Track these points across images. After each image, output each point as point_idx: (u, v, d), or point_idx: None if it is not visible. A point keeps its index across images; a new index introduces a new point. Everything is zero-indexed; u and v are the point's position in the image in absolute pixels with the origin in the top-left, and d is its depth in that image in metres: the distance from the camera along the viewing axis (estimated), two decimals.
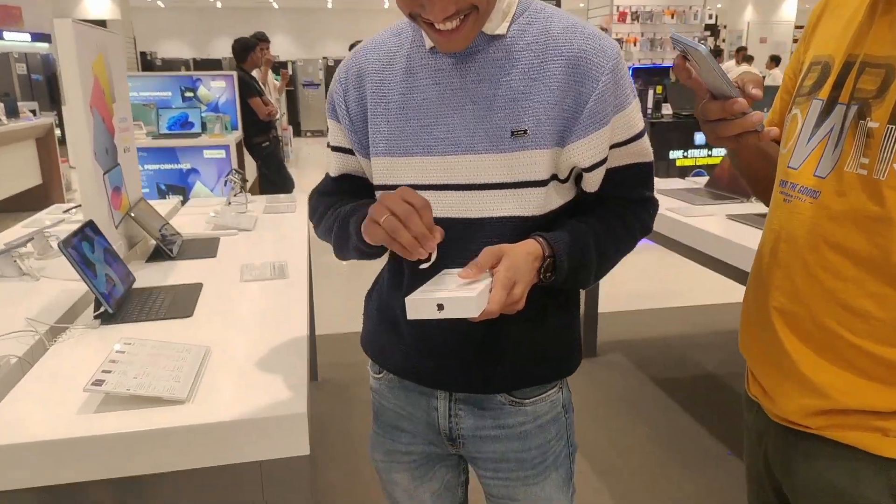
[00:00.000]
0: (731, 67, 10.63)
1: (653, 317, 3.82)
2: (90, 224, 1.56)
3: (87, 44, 1.72)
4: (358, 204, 1.01)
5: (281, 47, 17.29)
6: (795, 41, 16.36)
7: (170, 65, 14.26)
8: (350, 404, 2.87)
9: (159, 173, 4.67)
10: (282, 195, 2.93)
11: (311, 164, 10.18)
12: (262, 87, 5.41)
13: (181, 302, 1.56)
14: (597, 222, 0.99)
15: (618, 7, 7.85)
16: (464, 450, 1.10)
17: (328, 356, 3.25)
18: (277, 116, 5.43)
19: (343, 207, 1.05)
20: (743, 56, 10.60)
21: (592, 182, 0.99)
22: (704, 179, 3.06)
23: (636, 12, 7.82)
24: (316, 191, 1.15)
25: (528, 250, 0.90)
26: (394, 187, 0.96)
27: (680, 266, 2.47)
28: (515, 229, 0.95)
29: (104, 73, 1.83)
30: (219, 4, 17.35)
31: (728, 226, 2.29)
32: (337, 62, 14.52)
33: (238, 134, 5.02)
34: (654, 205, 1.07)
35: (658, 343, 3.51)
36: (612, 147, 0.97)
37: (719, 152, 5.88)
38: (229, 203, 2.57)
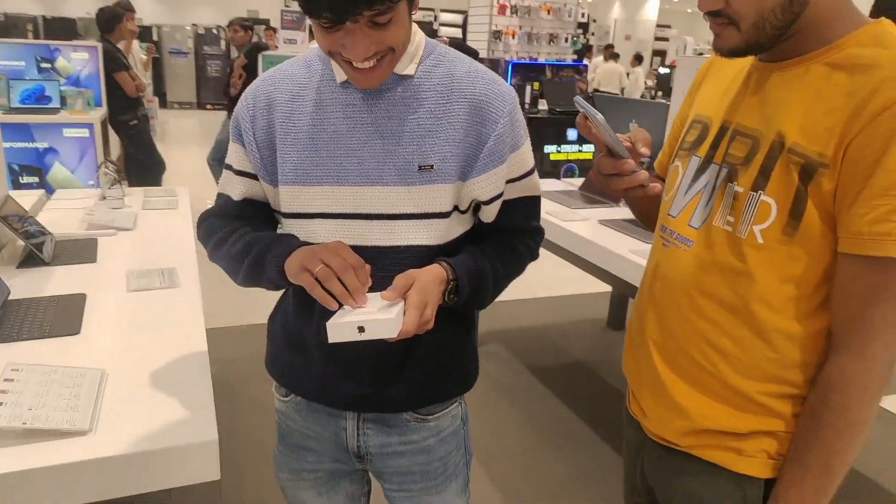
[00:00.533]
0: (598, 63, 11.25)
1: (529, 306, 4.06)
2: None
3: None
4: (272, 239, 1.04)
5: (145, 10, 16.02)
6: (657, 39, 17.57)
7: (14, 21, 12.82)
8: (246, 406, 2.83)
9: (11, 152, 4.25)
10: (159, 188, 2.80)
11: (179, 139, 9.64)
12: (128, 59, 5.06)
13: (65, 316, 1.49)
14: (492, 250, 1.09)
15: (498, 0, 8.06)
16: (370, 465, 1.17)
17: (217, 351, 3.16)
18: (145, 92, 5.10)
19: (251, 237, 1.06)
20: (610, 53, 11.25)
21: (489, 213, 1.08)
22: (579, 181, 3.28)
23: (515, 6, 8.07)
24: (211, 213, 1.15)
25: (435, 274, 0.98)
26: (304, 215, 1.03)
27: (553, 259, 2.66)
28: (421, 257, 1.02)
29: None
30: None
31: (599, 231, 2.49)
32: (207, 30, 13.75)
33: (103, 111, 4.67)
34: (540, 233, 1.19)
35: (533, 332, 3.74)
36: (507, 182, 1.06)
37: (590, 148, 6.27)
38: (104, 198, 2.43)
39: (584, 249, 2.42)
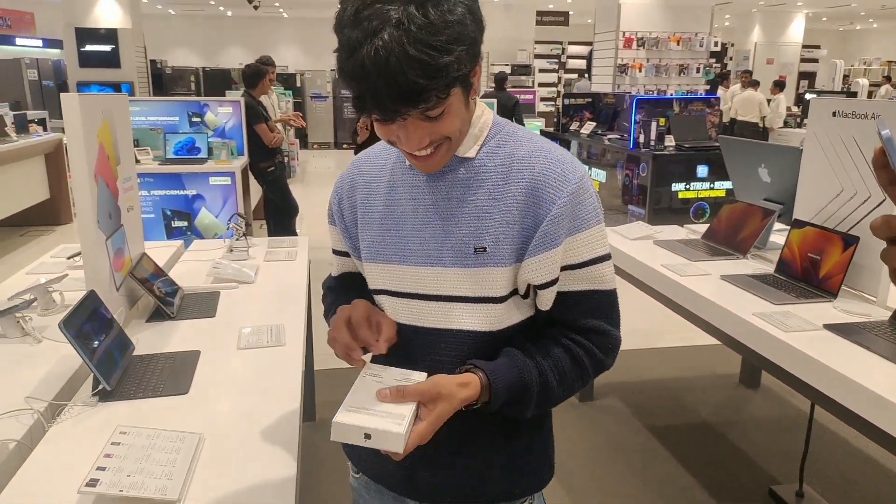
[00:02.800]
0: (736, 91, 10.65)
1: (651, 357, 3.84)
2: (91, 296, 1.60)
3: (91, 113, 1.76)
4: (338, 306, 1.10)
5: (289, 58, 17.40)
6: (802, 61, 16.39)
7: (179, 73, 14.37)
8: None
9: (165, 199, 4.72)
10: (283, 238, 2.96)
11: (317, 179, 10.24)
12: (268, 109, 5.46)
13: (178, 374, 1.59)
14: (546, 362, 1.00)
15: (624, 33, 7.88)
16: None
17: (326, 394, 3.28)
18: (283, 144, 5.47)
19: (336, 305, 1.12)
20: (748, 80, 10.61)
21: (545, 300, 1.01)
22: (702, 228, 3.08)
23: (642, 38, 7.85)
24: (326, 283, 1.26)
25: (465, 397, 0.92)
26: (378, 291, 1.07)
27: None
28: (474, 343, 1.00)
29: (109, 138, 1.87)
30: (229, 13, 17.47)
31: (722, 288, 2.30)
32: None
33: (243, 160, 5.07)
34: (613, 340, 1.04)
35: (655, 386, 3.52)
36: (564, 269, 0.99)
37: (722, 185, 5.91)
38: (231, 250, 2.61)
39: (702, 309, 2.25)
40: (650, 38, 7.86)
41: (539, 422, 1.10)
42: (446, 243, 0.99)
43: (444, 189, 1.00)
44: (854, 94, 12.46)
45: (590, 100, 7.36)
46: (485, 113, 1.01)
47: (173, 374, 1.59)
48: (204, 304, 2.09)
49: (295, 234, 5.38)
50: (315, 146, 14.34)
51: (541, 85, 12.67)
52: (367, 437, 0.83)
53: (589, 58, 9.72)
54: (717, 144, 6.23)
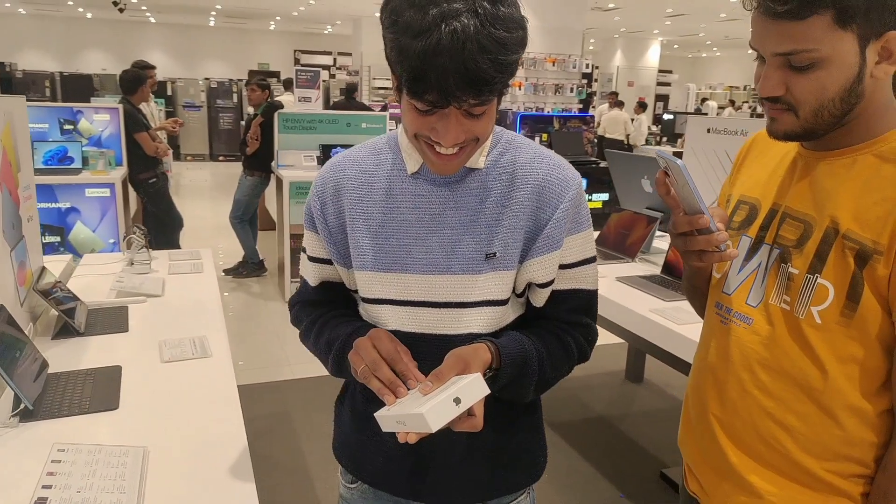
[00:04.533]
0: (603, 111, 11.44)
1: None
2: (2, 311, 1.49)
3: None
4: (347, 336, 1.05)
5: (159, 65, 16.48)
6: (658, 84, 17.85)
7: (32, 78, 13.19)
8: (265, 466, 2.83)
9: None
10: (183, 251, 2.86)
11: (193, 192, 9.79)
12: (147, 117, 5.20)
13: (103, 390, 1.52)
14: (541, 341, 1.05)
15: None
16: None
17: (251, 409, 3.18)
18: (168, 156, 5.22)
19: (330, 333, 1.08)
20: (615, 101, 11.44)
21: (541, 297, 1.06)
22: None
23: (521, 59, 8.24)
24: (297, 301, 1.18)
25: (484, 358, 0.95)
26: (375, 301, 1.05)
27: None
28: None
29: (11, 143, 1.75)
30: (89, 15, 16.32)
31: (618, 288, 2.51)
32: (220, 83, 14.10)
33: (123, 170, 4.79)
34: (593, 333, 1.12)
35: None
36: (561, 267, 1.05)
37: (599, 196, 6.34)
38: (132, 263, 2.49)
39: (602, 307, 2.44)
40: (528, 59, 8.28)
41: (532, 414, 1.15)
42: (456, 251, 1.00)
43: (452, 198, 1.01)
44: (704, 115, 13.75)
45: None
46: None
47: (97, 391, 1.52)
48: (113, 319, 1.98)
49: (178, 247, 5.14)
50: (189, 158, 13.68)
51: None
52: (457, 401, 0.84)
53: None
54: (594, 159, 6.68)
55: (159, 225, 5.19)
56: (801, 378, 0.93)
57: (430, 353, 1.01)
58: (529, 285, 1.06)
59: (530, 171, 1.03)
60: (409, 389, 0.91)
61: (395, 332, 1.03)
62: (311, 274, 1.13)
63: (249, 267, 5.58)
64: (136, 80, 4.95)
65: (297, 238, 4.91)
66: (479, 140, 0.95)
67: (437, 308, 1.02)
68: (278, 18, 16.09)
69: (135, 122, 4.85)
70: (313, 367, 3.65)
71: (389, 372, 0.92)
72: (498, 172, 1.03)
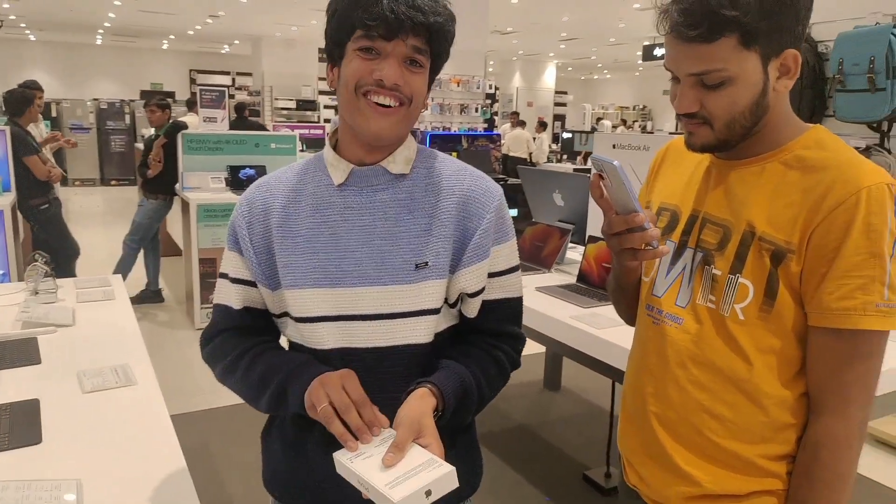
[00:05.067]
0: (506, 130, 11.80)
1: None
2: None
3: None
4: (289, 370, 1.03)
5: (42, 86, 15.47)
6: (556, 105, 18.60)
7: None
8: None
9: None
10: (91, 278, 2.71)
11: (83, 219, 9.22)
12: (37, 139, 4.90)
13: (22, 425, 1.43)
14: (477, 365, 1.08)
15: None
16: None
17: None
18: (61, 180, 4.92)
19: (264, 366, 1.05)
20: (517, 120, 11.83)
21: (473, 307, 1.10)
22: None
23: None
24: (213, 331, 1.13)
25: (431, 406, 0.98)
26: (306, 319, 1.04)
27: None
28: (418, 355, 1.05)
29: None
30: None
31: (537, 297, 2.61)
32: (110, 104, 13.41)
33: (11, 196, 4.47)
34: (521, 341, 1.17)
35: None
36: (490, 276, 1.08)
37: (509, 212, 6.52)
38: (36, 292, 2.34)
39: (526, 316, 2.52)
40: (434, 80, 8.43)
41: (468, 432, 1.18)
42: (386, 262, 1.02)
43: (380, 209, 1.04)
44: (605, 132, 14.48)
45: None
46: (411, 137, 1.09)
47: (15, 425, 1.42)
48: (21, 351, 1.86)
49: (75, 276, 4.84)
50: (77, 182, 12.91)
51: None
52: (428, 493, 0.84)
53: None
54: (502, 176, 6.88)
55: (52, 253, 4.86)
56: (729, 370, 1.01)
57: (367, 366, 1.02)
58: (461, 296, 1.09)
59: (455, 182, 1.08)
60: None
61: (332, 351, 1.04)
62: (235, 297, 1.10)
63: (147, 295, 5.34)
64: (23, 101, 4.67)
65: (206, 263, 4.76)
66: (413, 102, 1.00)
67: (368, 321, 1.03)
68: (172, 37, 15.54)
69: (24, 145, 4.56)
70: (228, 397, 3.53)
71: (358, 419, 0.92)
72: (424, 183, 1.07)
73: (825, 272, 0.93)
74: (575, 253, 3.18)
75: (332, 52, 1.03)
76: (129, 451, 1.36)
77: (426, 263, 1.03)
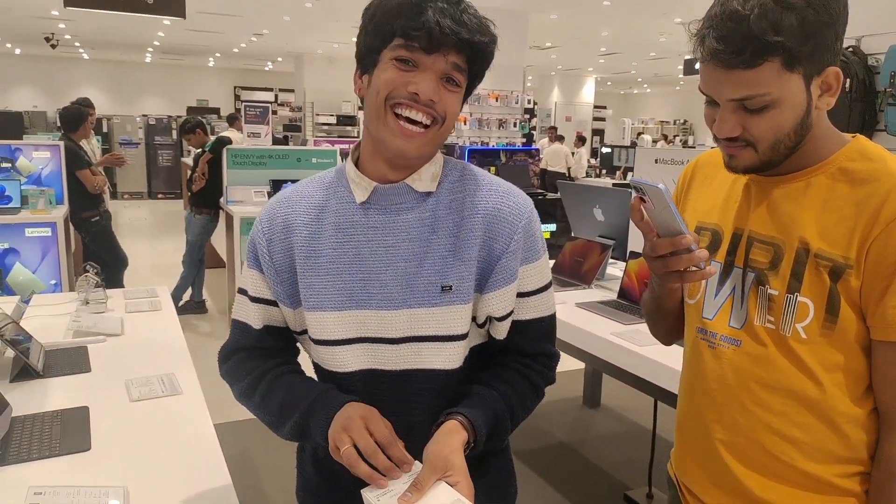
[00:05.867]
0: (545, 145, 11.77)
1: None
2: None
3: None
4: (310, 402, 1.01)
5: (95, 102, 16.06)
6: (595, 119, 18.49)
7: None
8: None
9: None
10: (139, 289, 2.78)
11: (131, 231, 9.49)
12: (89, 154, 5.07)
13: (72, 432, 1.47)
14: (511, 391, 1.04)
15: None
16: None
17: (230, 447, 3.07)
18: (106, 188, 5.09)
19: (284, 395, 1.03)
20: (555, 135, 11.80)
21: (502, 329, 1.06)
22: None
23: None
24: (231, 349, 1.11)
25: (461, 440, 0.94)
26: (329, 342, 1.02)
27: None
28: (441, 381, 1.02)
29: None
30: (17, 51, 15.81)
31: (578, 314, 2.58)
32: (158, 120, 13.83)
33: (64, 209, 4.63)
34: (556, 359, 1.13)
35: None
36: (520, 295, 1.04)
37: (546, 227, 6.49)
38: (87, 302, 2.41)
39: (564, 332, 2.50)
40: (472, 95, 8.47)
41: (502, 454, 1.17)
42: (412, 284, 0.99)
43: (404, 229, 1.00)
44: (646, 148, 14.33)
45: None
46: (439, 153, 1.05)
47: (66, 432, 1.46)
48: (73, 360, 1.92)
49: (122, 287, 4.98)
50: (126, 196, 13.30)
51: None
52: None
53: None
54: (541, 191, 6.86)
55: (102, 264, 5.02)
56: (799, 391, 0.97)
57: (393, 390, 1.00)
58: (489, 318, 1.05)
59: (480, 199, 1.03)
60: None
61: (354, 373, 1.02)
62: (255, 316, 1.07)
63: (191, 306, 5.46)
64: (78, 118, 4.85)
65: None
66: (445, 122, 0.97)
67: (395, 344, 1.00)
68: (218, 55, 15.98)
69: (77, 160, 4.73)
70: None
71: (386, 460, 0.89)
72: (448, 200, 1.02)
73: (886, 285, 0.91)
74: (616, 269, 3.14)
75: (365, 59, 0.99)
76: (175, 459, 1.38)
77: (450, 287, 0.99)
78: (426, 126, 0.95)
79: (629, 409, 3.82)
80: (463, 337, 1.02)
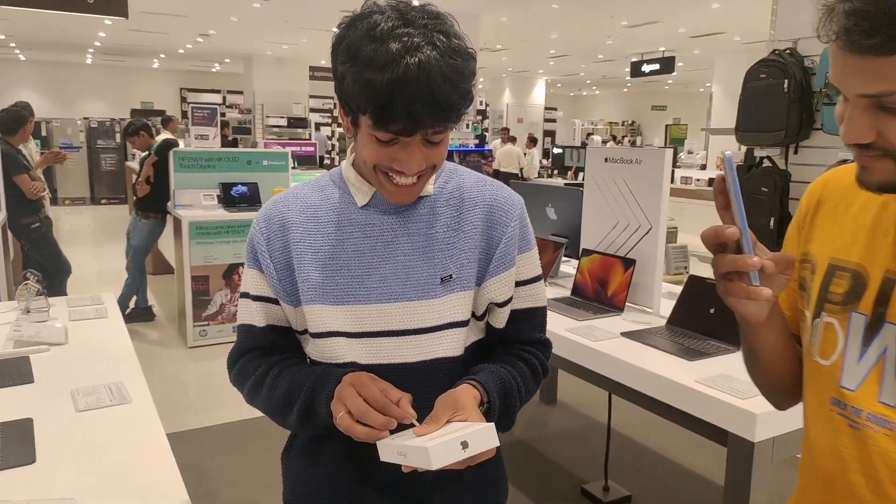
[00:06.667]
0: (497, 146, 11.87)
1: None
2: None
3: None
4: (313, 382, 1.01)
5: (32, 105, 15.44)
6: (546, 121, 18.72)
7: None
8: None
9: None
10: (83, 296, 2.69)
11: (73, 238, 9.17)
12: (28, 158, 4.88)
13: (15, 445, 1.41)
14: (512, 366, 1.07)
15: None
16: None
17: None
18: (45, 193, 4.90)
19: (289, 381, 1.03)
20: (508, 136, 11.91)
21: (502, 318, 1.10)
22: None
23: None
24: (238, 352, 1.11)
25: (474, 396, 0.97)
26: (328, 334, 1.03)
27: None
28: (447, 369, 1.04)
29: None
30: None
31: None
32: (101, 123, 13.38)
33: (2, 215, 4.44)
34: (550, 346, 1.18)
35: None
36: (516, 284, 1.08)
37: None
38: (28, 311, 2.32)
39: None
40: None
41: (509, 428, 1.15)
42: (410, 278, 1.01)
43: (403, 224, 1.03)
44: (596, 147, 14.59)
45: None
46: None
47: (9, 445, 1.40)
48: (14, 370, 1.84)
49: (65, 295, 4.81)
50: (67, 202, 12.85)
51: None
52: (465, 445, 0.83)
53: None
54: None
55: (43, 272, 4.83)
56: None
57: (395, 382, 0.99)
58: (489, 307, 1.09)
59: (477, 193, 1.07)
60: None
61: (351, 365, 1.02)
62: (258, 315, 1.08)
63: (138, 313, 5.31)
64: (17, 120, 4.67)
65: (198, 280, 4.73)
66: (436, 167, 0.99)
67: (395, 336, 1.02)
68: (163, 56, 15.57)
69: (15, 164, 4.55)
70: (222, 414, 3.51)
71: (380, 417, 0.90)
72: (446, 198, 1.06)
73: None
74: (569, 266, 3.19)
75: (345, 103, 0.95)
76: (125, 470, 1.34)
77: (451, 276, 1.03)
78: (420, 176, 0.97)
79: (584, 404, 3.89)
80: (464, 324, 1.05)
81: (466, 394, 0.97)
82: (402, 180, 0.96)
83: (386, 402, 0.92)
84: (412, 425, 0.92)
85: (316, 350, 1.07)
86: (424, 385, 1.01)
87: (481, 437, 0.85)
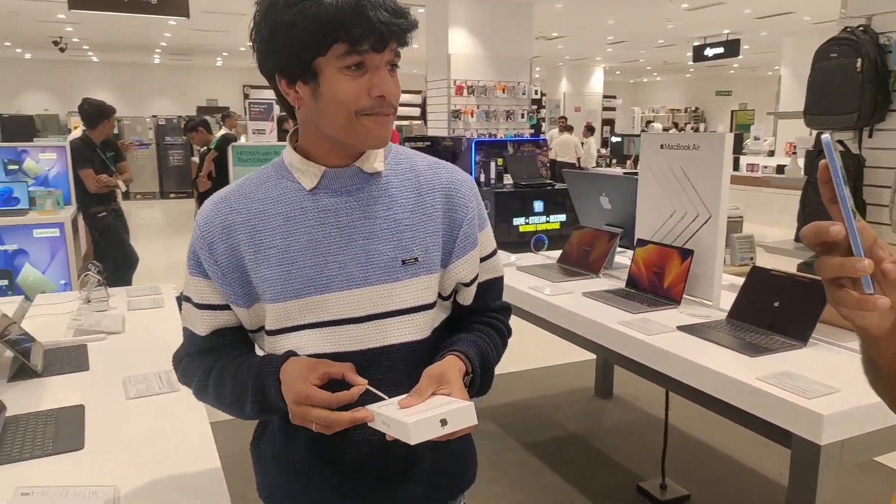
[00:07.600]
0: (554, 135, 11.69)
1: (514, 380, 4.05)
2: None
3: None
4: (255, 375, 1.00)
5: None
6: (604, 109, 18.34)
7: None
8: None
9: None
10: (142, 287, 2.77)
11: (144, 231, 9.54)
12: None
13: (66, 431, 1.45)
14: (484, 334, 1.12)
15: (454, 81, 8.38)
16: None
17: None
18: (121, 186, 5.07)
19: (232, 377, 1.02)
20: (564, 125, 11.71)
21: (468, 295, 1.13)
22: (551, 253, 3.36)
23: (471, 86, 8.39)
24: (184, 353, 1.11)
25: (459, 367, 1.00)
26: (290, 329, 1.00)
27: (529, 330, 2.67)
28: (414, 353, 1.03)
29: None
30: (28, 56, 15.93)
31: (585, 303, 2.52)
32: (168, 120, 13.89)
33: (72, 209, 4.64)
34: (509, 311, 1.24)
35: (522, 406, 3.72)
36: (480, 260, 1.12)
37: (556, 217, 6.44)
38: (89, 301, 2.40)
39: (571, 322, 2.46)
40: (479, 87, 8.42)
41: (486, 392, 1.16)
42: (371, 261, 1.00)
43: (358, 208, 1.00)
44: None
45: (429, 143, 7.69)
46: None
47: (60, 431, 1.44)
48: (72, 358, 1.90)
49: (130, 285, 4.98)
50: (138, 196, 13.39)
51: None
52: (444, 422, 0.86)
53: (423, 104, 10.18)
54: (550, 181, 6.79)
55: (112, 263, 5.03)
56: None
57: (363, 369, 0.98)
58: (457, 286, 1.11)
59: (433, 176, 1.08)
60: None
61: (313, 356, 0.99)
62: (201, 323, 1.05)
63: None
64: (99, 113, 4.80)
65: None
66: (395, 110, 0.99)
67: (358, 323, 1.01)
68: (225, 54, 16.00)
69: (80, 158, 4.72)
70: None
71: (345, 415, 0.91)
72: (399, 179, 1.05)
73: None
74: (624, 257, 3.08)
75: (292, 68, 0.95)
76: (168, 458, 1.35)
77: (415, 259, 1.02)
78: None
79: (642, 398, 3.77)
80: (430, 307, 1.05)
81: (452, 366, 0.99)
82: (385, 108, 0.96)
83: (338, 397, 0.91)
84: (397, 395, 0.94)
85: (272, 346, 1.05)
86: (393, 371, 1.01)
87: (460, 416, 0.88)
